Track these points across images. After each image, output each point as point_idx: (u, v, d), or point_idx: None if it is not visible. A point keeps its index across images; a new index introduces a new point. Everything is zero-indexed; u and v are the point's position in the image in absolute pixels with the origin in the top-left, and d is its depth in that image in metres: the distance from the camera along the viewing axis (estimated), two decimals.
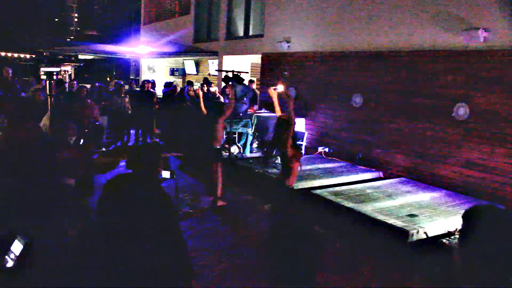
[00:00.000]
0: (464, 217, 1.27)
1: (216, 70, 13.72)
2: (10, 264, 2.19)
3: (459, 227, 1.31)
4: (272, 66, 10.74)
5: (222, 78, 9.23)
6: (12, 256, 2.21)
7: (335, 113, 8.84)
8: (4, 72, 9.72)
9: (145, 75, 18.56)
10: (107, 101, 10.36)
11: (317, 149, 9.05)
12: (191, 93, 11.77)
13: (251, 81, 11.45)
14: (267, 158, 6.82)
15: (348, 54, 8.52)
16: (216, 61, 14.03)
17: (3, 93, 9.21)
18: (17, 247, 2.23)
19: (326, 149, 8.91)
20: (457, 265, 1.25)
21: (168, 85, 12.25)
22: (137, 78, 18.65)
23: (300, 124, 9.44)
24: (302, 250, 4.49)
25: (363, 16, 8.14)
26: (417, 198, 6.08)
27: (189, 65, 16.92)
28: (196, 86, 13.48)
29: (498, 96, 6.02)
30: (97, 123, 6.65)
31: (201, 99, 6.66)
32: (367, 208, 5.51)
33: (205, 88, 11.83)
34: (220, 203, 6.40)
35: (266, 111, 10.17)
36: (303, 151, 9.23)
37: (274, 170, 6.98)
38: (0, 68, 9.90)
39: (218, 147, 6.51)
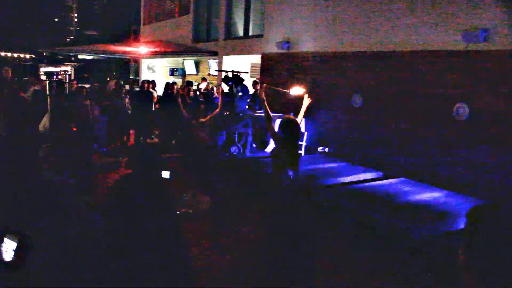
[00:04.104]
0: (467, 216, 1.27)
1: (216, 70, 13.71)
2: (7, 258, 2.18)
3: (462, 226, 1.31)
4: (272, 66, 10.74)
5: (222, 78, 9.22)
6: (7, 251, 2.20)
7: (335, 113, 8.83)
8: (3, 72, 9.70)
9: (145, 75, 18.55)
10: (107, 101, 10.36)
11: (317, 149, 9.04)
12: (191, 93, 11.78)
13: (255, 82, 11.38)
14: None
15: (348, 54, 8.51)
16: (216, 61, 14.02)
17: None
18: (10, 242, 2.22)
19: (326, 149, 8.90)
20: (461, 264, 1.25)
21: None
22: (137, 78, 18.65)
23: (300, 124, 9.41)
24: (302, 250, 4.48)
25: (363, 16, 8.14)
26: (417, 198, 6.08)
27: (189, 65, 16.91)
28: (195, 86, 13.48)
29: (498, 96, 6.02)
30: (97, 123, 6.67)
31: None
32: (368, 208, 5.51)
33: (203, 88, 11.89)
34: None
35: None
36: (303, 151, 9.22)
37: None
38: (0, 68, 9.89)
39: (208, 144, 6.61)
